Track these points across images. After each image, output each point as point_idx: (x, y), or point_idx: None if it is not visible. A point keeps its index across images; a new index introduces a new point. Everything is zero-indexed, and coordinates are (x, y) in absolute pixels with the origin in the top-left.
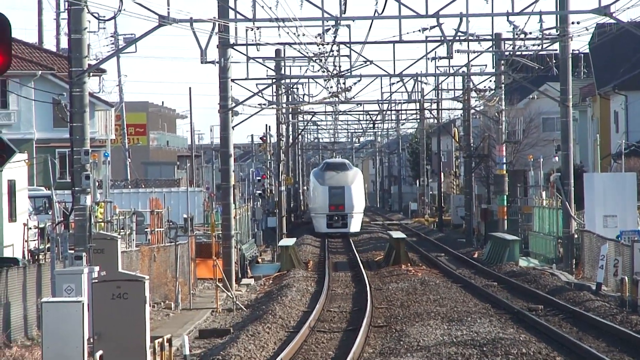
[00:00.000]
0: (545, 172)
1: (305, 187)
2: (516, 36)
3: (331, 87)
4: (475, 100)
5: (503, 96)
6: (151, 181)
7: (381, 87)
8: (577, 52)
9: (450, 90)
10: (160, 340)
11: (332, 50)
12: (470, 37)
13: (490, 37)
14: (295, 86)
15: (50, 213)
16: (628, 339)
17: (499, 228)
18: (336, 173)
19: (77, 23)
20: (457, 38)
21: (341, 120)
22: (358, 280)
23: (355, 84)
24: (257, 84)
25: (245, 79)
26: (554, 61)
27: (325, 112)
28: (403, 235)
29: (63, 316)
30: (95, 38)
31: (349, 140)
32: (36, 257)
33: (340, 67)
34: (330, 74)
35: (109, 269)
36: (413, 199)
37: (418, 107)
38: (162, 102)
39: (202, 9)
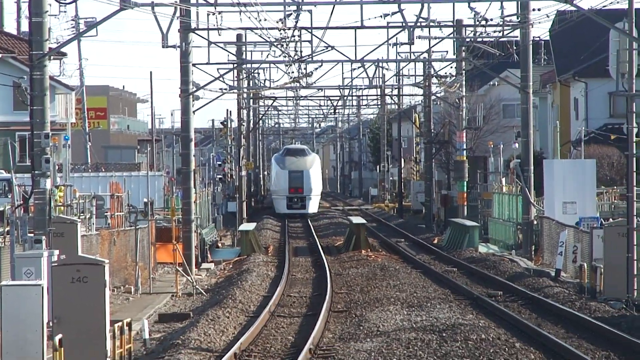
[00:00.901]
0: (505, 159)
1: (265, 172)
2: (477, 22)
3: (292, 72)
4: (436, 87)
5: (464, 82)
6: (111, 165)
7: (342, 73)
8: (537, 39)
9: (411, 76)
10: (120, 324)
11: (293, 36)
12: (432, 23)
13: (451, 24)
14: (256, 71)
15: (9, 196)
16: (586, 325)
17: (459, 214)
18: (296, 158)
19: (38, 6)
20: (419, 24)
21: (302, 106)
22: (318, 266)
23: (316, 69)
24: (218, 69)
25: (207, 63)
26: (515, 48)
27: (287, 97)
28: (363, 221)
29: (22, 300)
30: (56, 21)
31: (310, 125)
32: None
33: (301, 52)
34: (291, 59)
35: (69, 252)
36: (373, 184)
37: (379, 93)
38: (123, 86)
39: None
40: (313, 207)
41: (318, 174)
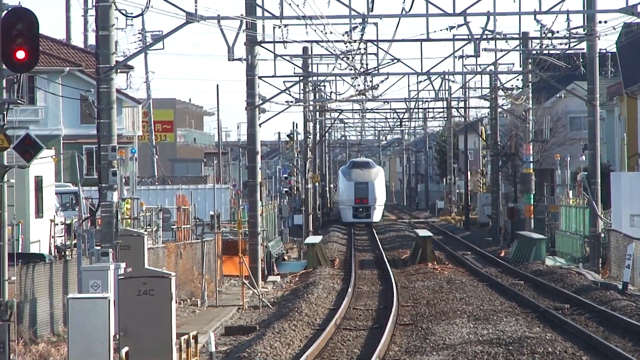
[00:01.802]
0: (572, 171)
1: (332, 185)
2: (543, 35)
3: (358, 84)
4: (503, 99)
5: (530, 95)
6: (178, 178)
7: (408, 85)
8: (604, 51)
9: (478, 88)
10: (186, 337)
11: (359, 48)
12: (498, 36)
13: (517, 36)
14: (322, 84)
15: (77, 209)
16: None
17: (526, 227)
18: (361, 171)
19: (105, 20)
20: (485, 36)
21: (368, 118)
22: (384, 278)
23: (382, 81)
24: (284, 82)
25: (273, 76)
26: (581, 60)
27: (353, 109)
28: (429, 234)
29: (89, 312)
30: (123, 35)
31: (376, 138)
32: (63, 253)
33: (367, 64)
34: (357, 71)
35: (136, 265)
36: (440, 197)
37: (445, 106)
38: (190, 99)
39: (229, 6)
40: (377, 216)
41: (382, 186)
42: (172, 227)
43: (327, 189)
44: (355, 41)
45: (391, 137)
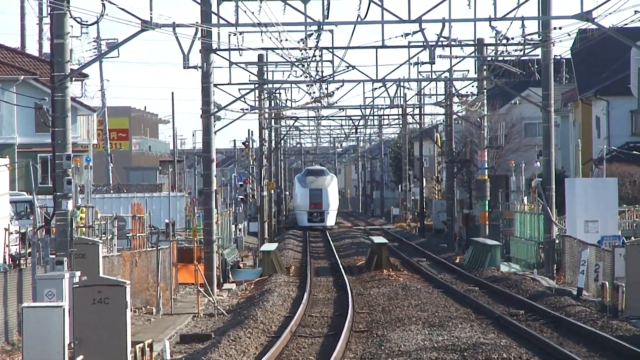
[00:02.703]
0: (527, 178)
1: (287, 192)
2: (498, 41)
3: (314, 92)
4: (458, 106)
5: (485, 101)
6: (133, 186)
7: (364, 92)
8: (559, 57)
9: (433, 95)
10: (141, 345)
11: (314, 55)
12: (453, 43)
13: (472, 43)
14: (277, 91)
15: (31, 218)
16: (609, 344)
17: (481, 233)
18: (315, 178)
19: (60, 28)
20: (440, 43)
21: (323, 126)
22: (340, 285)
23: (337, 89)
24: (239, 89)
25: (228, 84)
26: (536, 66)
27: (308, 117)
28: (385, 240)
29: (44, 321)
30: (78, 43)
31: (332, 145)
32: (17, 262)
33: (322, 72)
34: (312, 79)
35: (90, 274)
36: (395, 204)
37: (400, 112)
38: (145, 107)
39: (184, 14)
40: (331, 220)
41: (335, 192)
42: (127, 235)
43: (283, 196)
44: (310, 48)
45: (347, 144)
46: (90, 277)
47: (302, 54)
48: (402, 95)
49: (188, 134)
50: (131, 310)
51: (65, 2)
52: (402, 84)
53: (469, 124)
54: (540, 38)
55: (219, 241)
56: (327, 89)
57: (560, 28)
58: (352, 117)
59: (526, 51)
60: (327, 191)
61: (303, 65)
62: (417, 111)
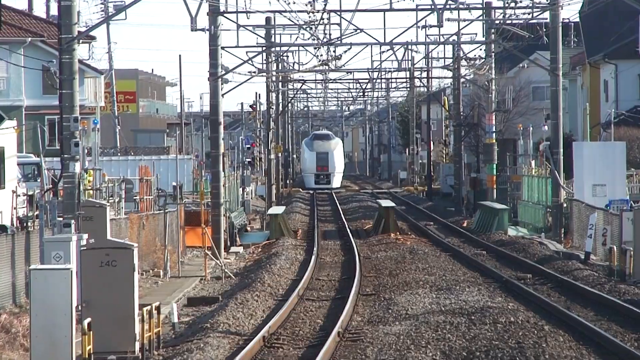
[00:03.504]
0: (534, 141)
1: (294, 155)
2: (506, 4)
3: (321, 55)
4: (465, 69)
5: (493, 65)
6: (140, 149)
7: (371, 56)
8: (567, 20)
9: (441, 58)
10: (148, 307)
11: (322, 18)
12: (461, 6)
13: (480, 6)
14: (285, 54)
15: (39, 180)
16: (616, 308)
17: (488, 197)
18: (322, 142)
19: None
20: (448, 6)
21: (331, 89)
22: (347, 249)
23: (345, 52)
24: (247, 52)
25: (236, 46)
26: (544, 30)
27: (315, 80)
28: (392, 204)
29: (51, 283)
30: (85, 5)
31: (339, 108)
32: (25, 225)
33: (330, 35)
34: (320, 42)
35: (98, 236)
36: (402, 167)
37: (408, 76)
38: (152, 70)
39: None
40: (336, 182)
41: (340, 155)
42: (135, 198)
43: (290, 159)
44: (318, 11)
45: (354, 108)
46: (97, 240)
47: (309, 16)
48: (409, 58)
49: (195, 96)
50: (139, 273)
51: None
52: (409, 47)
53: (477, 88)
54: (549, 1)
55: (227, 204)
56: (334, 52)
57: None
58: (360, 81)
59: (534, 14)
60: (333, 154)
61: (311, 28)
62: (424, 75)
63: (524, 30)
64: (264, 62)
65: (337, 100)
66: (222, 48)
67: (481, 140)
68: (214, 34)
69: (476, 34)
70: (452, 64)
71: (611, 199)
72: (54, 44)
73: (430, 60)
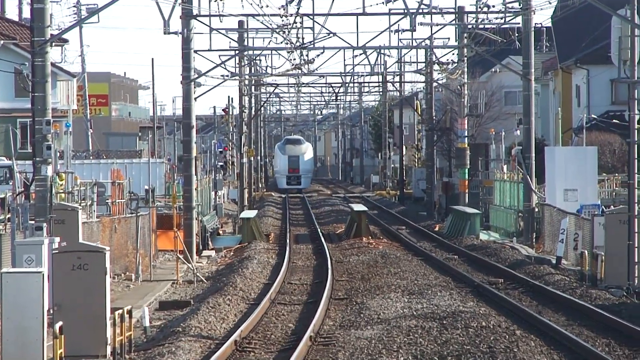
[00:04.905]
0: (506, 146)
1: (267, 159)
2: (479, 9)
3: (294, 59)
4: (438, 74)
5: (465, 69)
6: (113, 152)
7: (344, 60)
8: (539, 25)
9: (413, 63)
10: (120, 311)
11: (295, 22)
12: (434, 10)
13: (453, 10)
14: (258, 58)
15: (10, 183)
16: (587, 313)
17: (460, 201)
18: (293, 146)
19: None
20: (421, 11)
21: (304, 93)
22: (319, 253)
23: (318, 56)
24: (220, 56)
25: (208, 50)
26: (517, 35)
27: (288, 84)
28: (364, 208)
29: (23, 287)
30: (58, 8)
31: (312, 112)
32: None
33: (303, 39)
34: (293, 45)
35: (70, 239)
36: (375, 171)
37: (381, 80)
38: (125, 73)
39: None
40: (306, 183)
41: (310, 158)
42: (107, 201)
43: (263, 163)
44: (291, 15)
45: (327, 112)
46: (69, 243)
47: (282, 20)
48: (382, 62)
49: (168, 100)
50: (110, 277)
51: None
52: (382, 51)
53: (449, 92)
54: (521, 6)
55: (199, 208)
56: (307, 55)
57: None
58: (333, 85)
59: (507, 19)
60: (303, 157)
61: (283, 32)
62: (397, 79)
63: (496, 35)
64: (237, 65)
65: (310, 104)
66: (195, 51)
67: (453, 145)
68: (186, 37)
69: (449, 38)
70: (424, 68)
71: (583, 203)
72: (26, 47)
73: (402, 64)
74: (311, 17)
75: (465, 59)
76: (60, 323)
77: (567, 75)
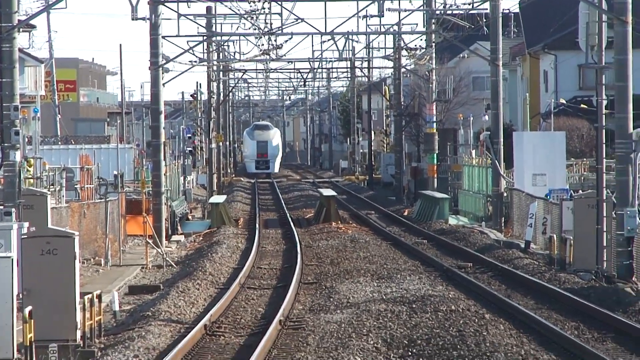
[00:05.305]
0: (475, 131)
1: (235, 145)
2: None
3: (262, 44)
4: (406, 59)
5: (433, 55)
6: (81, 138)
7: (312, 45)
8: (507, 11)
9: (381, 48)
10: (89, 296)
11: (263, 8)
12: None
13: None
14: (226, 44)
15: None
16: (556, 297)
17: (429, 186)
18: (262, 131)
19: None
20: None
21: (272, 78)
22: (288, 238)
23: (286, 41)
24: (188, 41)
25: (176, 36)
26: (484, 20)
27: (257, 69)
28: (333, 193)
29: None
30: None
31: (280, 97)
32: None
33: (271, 24)
34: (261, 31)
35: (39, 225)
36: (344, 156)
37: (349, 66)
38: (93, 59)
39: None
40: (275, 167)
41: (279, 143)
42: (76, 186)
43: (231, 149)
44: (259, 1)
45: (295, 97)
46: (38, 228)
47: (250, 6)
48: (350, 48)
49: (136, 85)
50: (80, 262)
51: None
52: (350, 37)
53: (417, 78)
54: None
55: (168, 193)
56: (275, 41)
57: None
58: (301, 70)
59: (475, 5)
60: (272, 142)
61: (252, 18)
62: (365, 64)
63: (464, 21)
64: (205, 51)
65: (278, 90)
66: (163, 37)
67: (422, 130)
68: (154, 23)
69: (417, 24)
70: (392, 54)
71: (551, 188)
72: None
73: (371, 50)
74: (279, 2)
75: (434, 44)
76: (29, 308)
77: (535, 61)
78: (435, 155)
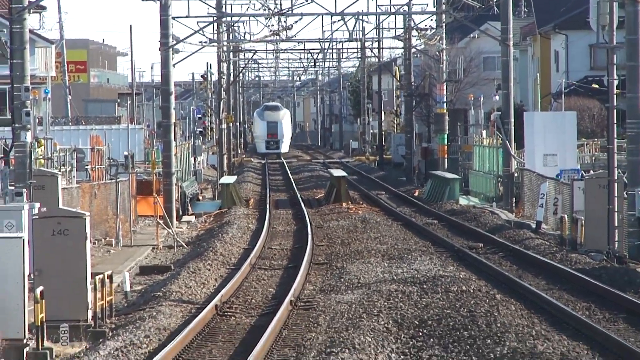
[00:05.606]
0: (485, 111)
1: (245, 125)
2: None
3: (272, 25)
4: (416, 39)
5: (444, 35)
6: (92, 118)
7: (322, 26)
8: None
9: (392, 29)
10: (100, 276)
11: None
12: None
13: None
14: (236, 24)
15: None
16: (567, 277)
17: (440, 167)
18: (272, 112)
19: None
20: None
21: (282, 59)
22: (299, 218)
23: (296, 22)
24: (198, 22)
25: (187, 16)
26: (495, 0)
27: (267, 50)
28: (344, 174)
29: (3, 252)
30: None
31: (290, 78)
32: None
33: (281, 5)
34: (271, 12)
35: (50, 205)
36: (354, 137)
37: (359, 46)
38: (103, 40)
39: None
40: (284, 147)
41: (288, 124)
42: (86, 167)
43: (242, 129)
44: None
45: (305, 78)
46: (49, 209)
47: None
48: (360, 28)
49: (147, 66)
50: (91, 242)
51: None
52: (360, 17)
53: (428, 58)
54: None
55: (178, 173)
56: (285, 22)
57: None
58: (311, 51)
59: None
60: (282, 123)
61: None
62: (375, 45)
63: (474, 1)
64: (215, 32)
65: (289, 70)
66: (173, 18)
67: (432, 110)
68: (164, 4)
69: (427, 4)
70: (403, 34)
71: (562, 168)
72: (4, 14)
73: (381, 30)
74: None
75: (444, 24)
76: (41, 288)
77: (546, 41)
78: (445, 135)
